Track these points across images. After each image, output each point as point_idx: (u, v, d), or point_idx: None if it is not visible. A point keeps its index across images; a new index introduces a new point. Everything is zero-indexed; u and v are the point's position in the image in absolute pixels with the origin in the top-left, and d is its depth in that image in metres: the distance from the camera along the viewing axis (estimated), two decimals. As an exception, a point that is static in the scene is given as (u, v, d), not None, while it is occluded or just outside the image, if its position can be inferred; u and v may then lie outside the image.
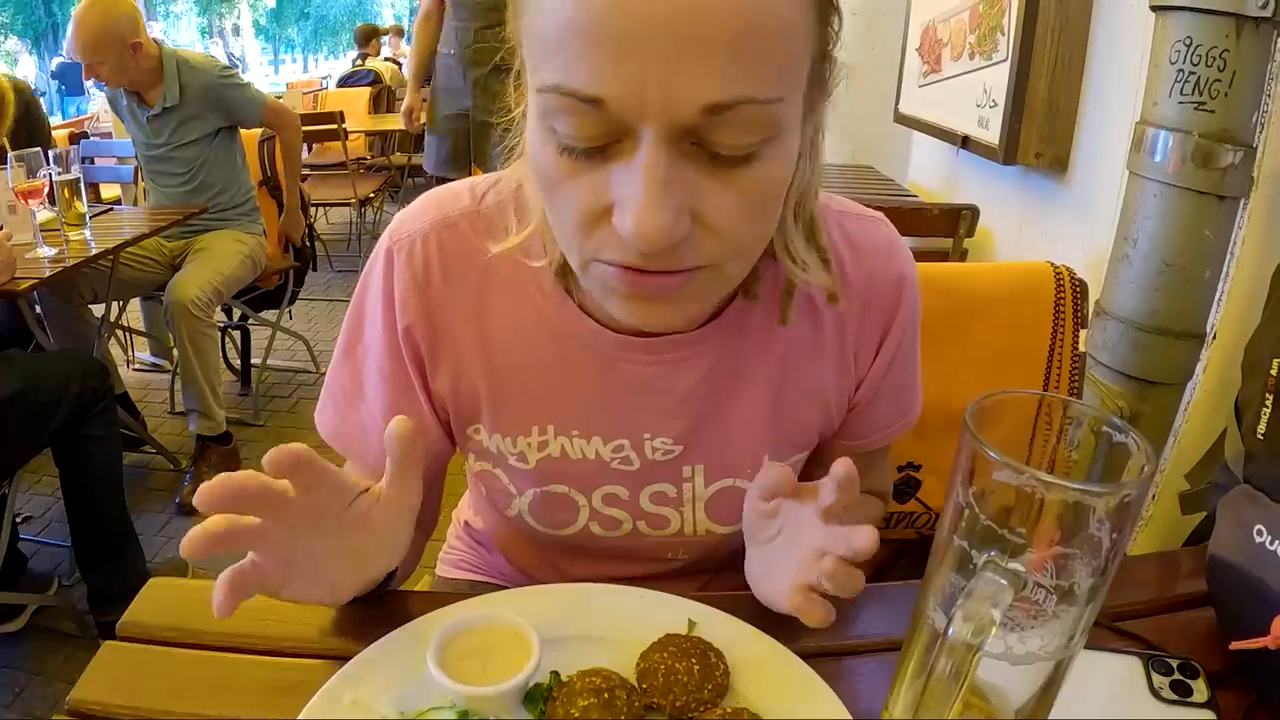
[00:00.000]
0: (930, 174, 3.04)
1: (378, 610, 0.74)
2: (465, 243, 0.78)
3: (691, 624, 0.70)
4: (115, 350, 3.54)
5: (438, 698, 0.62)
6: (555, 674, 0.64)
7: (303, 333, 3.88)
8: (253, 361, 3.67)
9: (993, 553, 0.47)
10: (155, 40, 2.88)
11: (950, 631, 0.45)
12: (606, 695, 0.61)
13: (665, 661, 0.64)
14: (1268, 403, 0.76)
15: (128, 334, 3.69)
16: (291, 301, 3.52)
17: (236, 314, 3.46)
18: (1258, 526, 0.70)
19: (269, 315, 3.50)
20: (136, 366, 3.85)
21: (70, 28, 2.70)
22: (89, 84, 3.01)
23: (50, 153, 2.44)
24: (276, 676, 0.69)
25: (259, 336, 3.70)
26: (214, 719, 0.65)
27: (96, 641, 0.70)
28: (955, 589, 0.49)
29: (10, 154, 2.37)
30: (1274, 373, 0.76)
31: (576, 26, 0.52)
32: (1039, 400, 0.54)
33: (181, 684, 0.68)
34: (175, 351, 2.90)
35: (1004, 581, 0.45)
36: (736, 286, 0.74)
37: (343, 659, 0.66)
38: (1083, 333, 1.29)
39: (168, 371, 3.59)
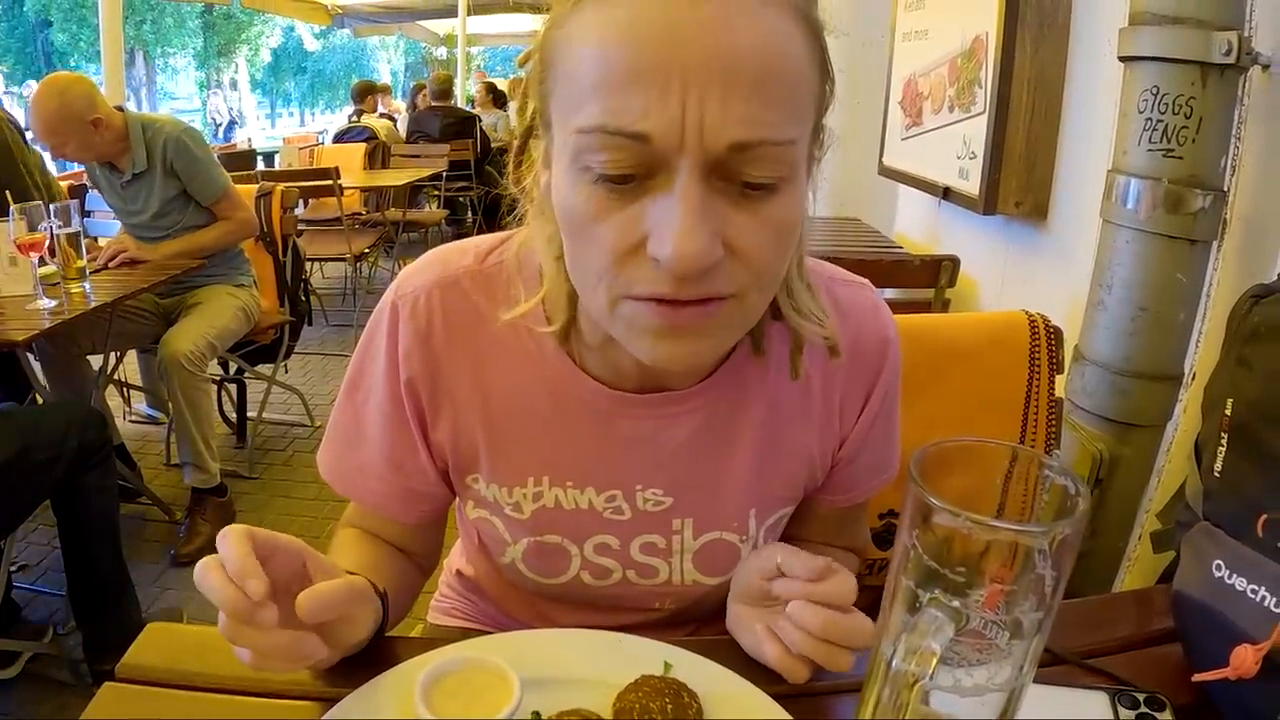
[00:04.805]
0: (915, 225, 3.08)
1: (368, 655, 0.75)
2: (466, 300, 0.81)
3: (667, 666, 0.72)
4: (114, 401, 3.54)
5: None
6: (536, 714, 0.66)
7: (298, 386, 3.89)
8: (248, 415, 3.67)
9: (936, 591, 0.49)
10: (119, 108, 2.86)
11: (894, 664, 0.48)
12: (583, 733, 0.63)
13: (640, 701, 0.66)
14: (1223, 441, 0.78)
15: (124, 388, 3.70)
16: (287, 355, 3.53)
17: (232, 367, 3.47)
18: (1216, 561, 0.73)
19: (264, 369, 3.52)
20: (134, 418, 3.85)
21: (30, 113, 2.68)
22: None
23: (52, 206, 2.48)
24: (269, 717, 0.71)
25: (254, 390, 3.70)
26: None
27: (91, 690, 0.71)
28: (905, 626, 0.51)
29: (12, 207, 2.41)
30: (1228, 412, 0.78)
31: (622, 65, 0.57)
32: (1004, 449, 0.57)
33: (177, 725, 0.70)
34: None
35: (944, 616, 0.47)
36: (738, 340, 0.78)
37: (333, 701, 0.68)
38: (1059, 378, 1.31)
39: (164, 424, 3.59)
